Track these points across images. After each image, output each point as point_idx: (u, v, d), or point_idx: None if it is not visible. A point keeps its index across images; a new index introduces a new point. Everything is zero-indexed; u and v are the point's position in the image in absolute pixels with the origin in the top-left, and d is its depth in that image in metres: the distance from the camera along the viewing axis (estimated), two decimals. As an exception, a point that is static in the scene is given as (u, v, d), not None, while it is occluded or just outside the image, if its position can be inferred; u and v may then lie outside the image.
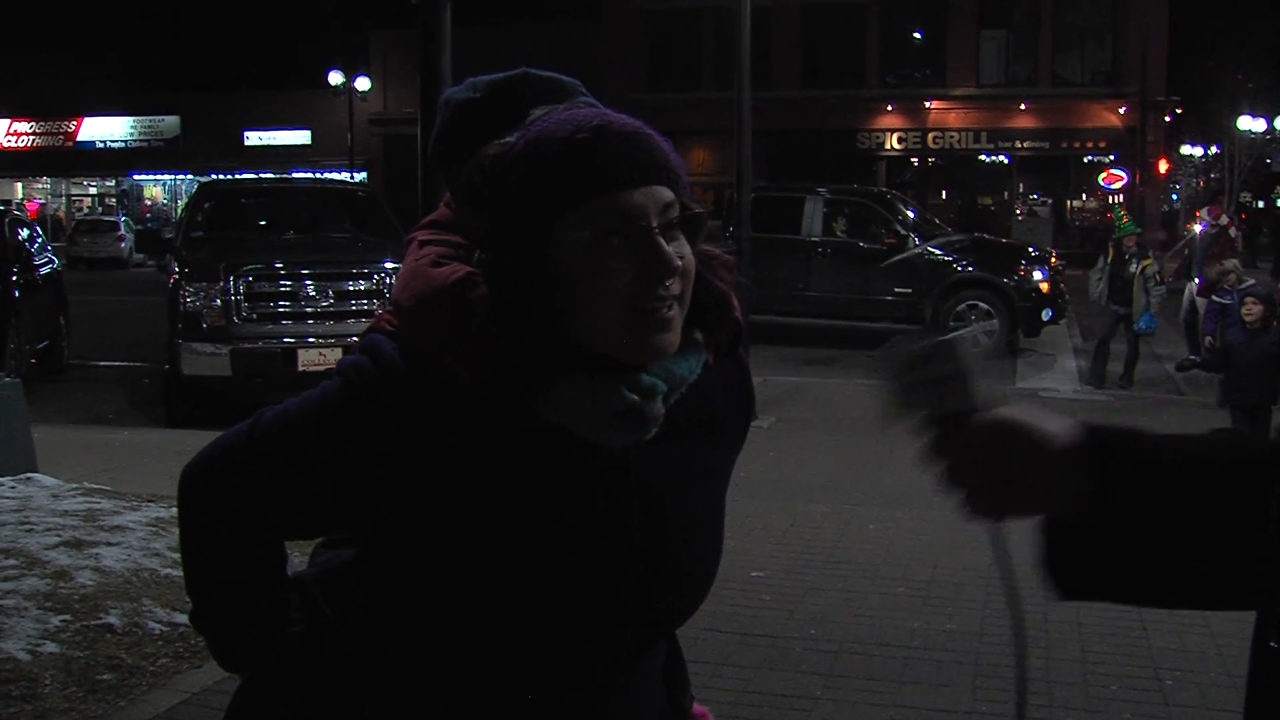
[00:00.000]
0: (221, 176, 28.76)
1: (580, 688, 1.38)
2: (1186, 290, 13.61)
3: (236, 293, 9.34)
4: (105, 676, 4.06)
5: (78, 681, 3.99)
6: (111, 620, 4.43)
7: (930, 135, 34.67)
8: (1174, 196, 45.99)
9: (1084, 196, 34.90)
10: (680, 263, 1.24)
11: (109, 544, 5.18)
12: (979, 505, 1.14)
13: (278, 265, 9.65)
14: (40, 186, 46.44)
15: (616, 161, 1.23)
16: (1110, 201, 32.56)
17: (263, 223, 11.42)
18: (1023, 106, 33.49)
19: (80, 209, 45.06)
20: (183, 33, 43.64)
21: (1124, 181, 31.50)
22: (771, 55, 31.68)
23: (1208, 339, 10.39)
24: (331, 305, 9.58)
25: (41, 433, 7.35)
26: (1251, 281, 9.86)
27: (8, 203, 35.91)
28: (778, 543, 5.88)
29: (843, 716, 4.00)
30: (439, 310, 1.27)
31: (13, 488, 6.31)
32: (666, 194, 1.25)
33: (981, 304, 14.79)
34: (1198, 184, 47.80)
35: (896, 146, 35.07)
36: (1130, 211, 28.53)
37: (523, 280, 1.24)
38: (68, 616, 4.41)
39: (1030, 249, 16.57)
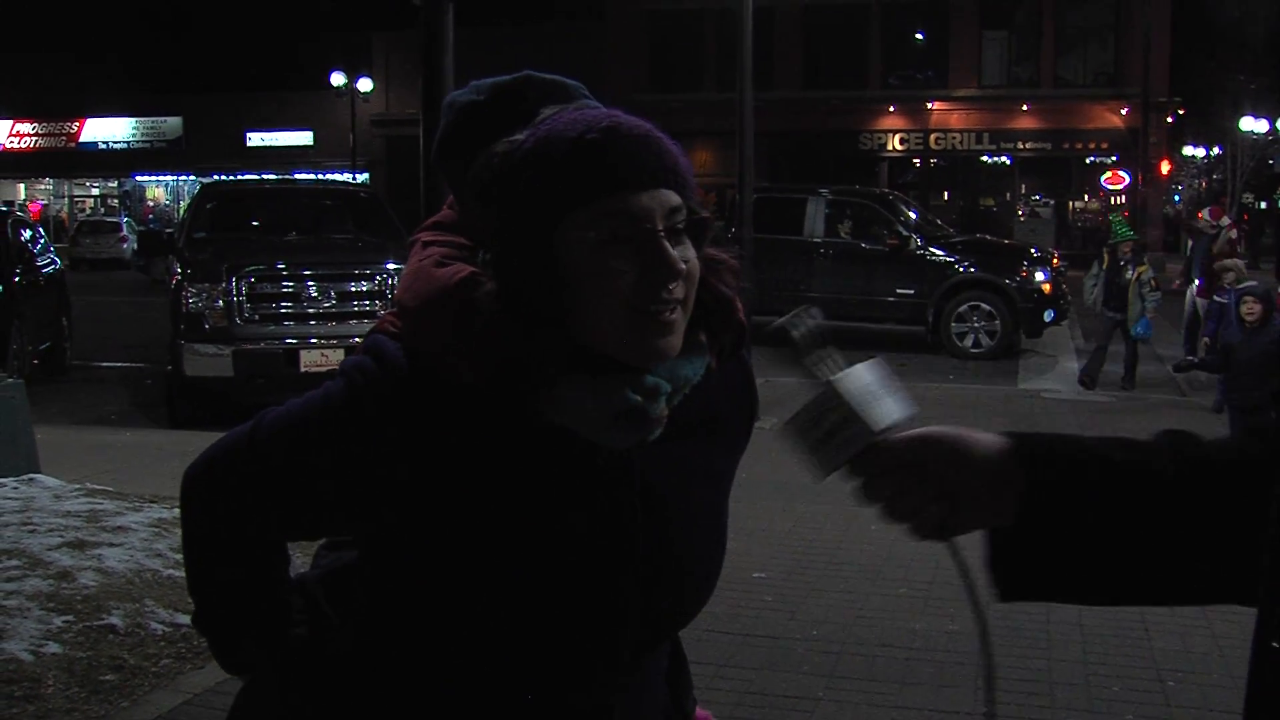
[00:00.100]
0: (224, 177, 28.77)
1: (582, 688, 1.38)
2: (1188, 292, 13.61)
3: (239, 294, 9.34)
4: (108, 677, 4.06)
5: (80, 682, 4.00)
6: (114, 621, 4.43)
7: (932, 136, 34.66)
8: (1176, 198, 45.98)
9: (1086, 197, 34.87)
10: (684, 266, 1.24)
11: (111, 545, 5.19)
12: (922, 529, 1.16)
13: (280, 266, 9.66)
14: (43, 187, 46.51)
15: (625, 163, 1.23)
16: (1113, 202, 32.56)
17: (265, 224, 11.42)
18: (1025, 107, 33.48)
19: (83, 210, 45.12)
20: (185, 33, 43.65)
21: (1126, 182, 31.49)
22: (773, 56, 31.69)
23: (1204, 339, 10.38)
24: (334, 306, 9.59)
25: (44, 433, 7.36)
26: (1252, 281, 9.85)
27: (10, 204, 36.03)
28: (780, 544, 5.88)
29: (844, 717, 4.00)
30: (442, 310, 1.27)
31: (15, 488, 6.32)
32: (674, 198, 1.25)
33: (983, 305, 14.79)
34: (1200, 185, 47.79)
35: (898, 147, 35.06)
36: (1133, 212, 28.57)
37: (529, 278, 1.24)
38: (70, 617, 4.41)
39: (1032, 250, 16.57)
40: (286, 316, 9.50)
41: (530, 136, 1.28)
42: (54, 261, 13.49)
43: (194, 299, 9.39)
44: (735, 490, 1.49)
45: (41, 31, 43.15)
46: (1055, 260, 15.85)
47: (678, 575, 1.39)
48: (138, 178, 44.35)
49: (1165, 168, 34.35)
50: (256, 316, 9.41)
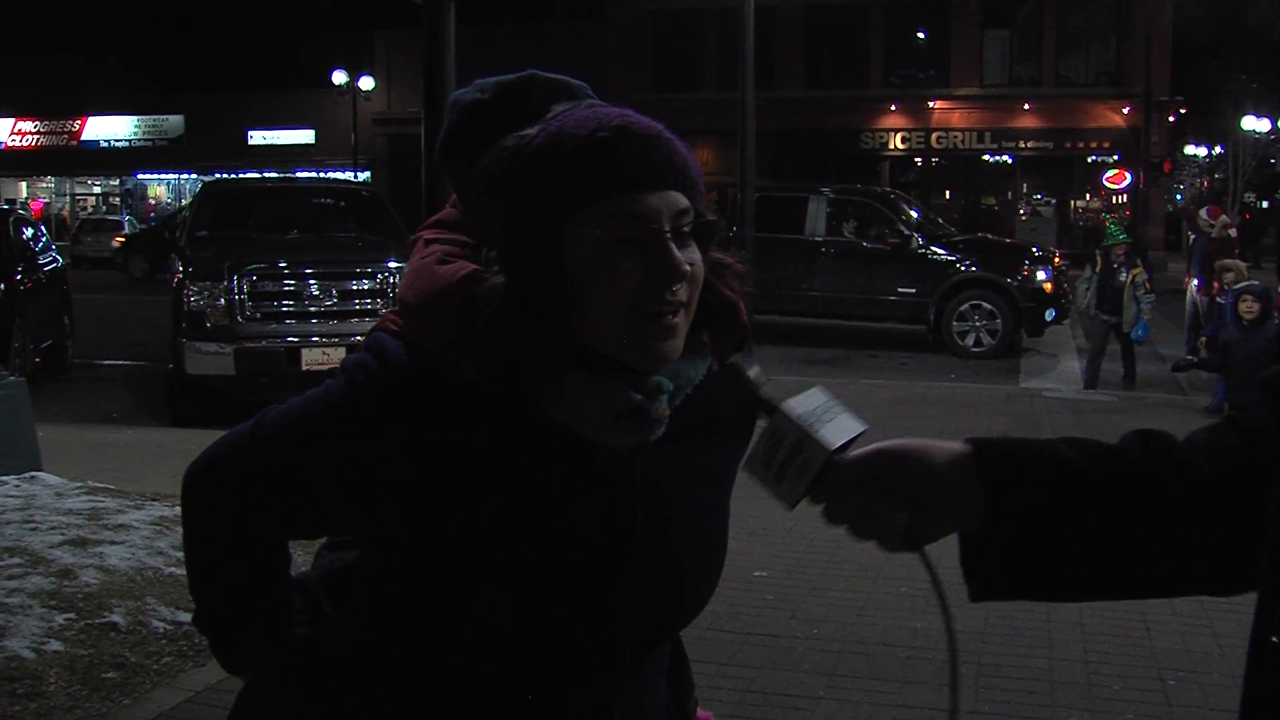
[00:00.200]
0: (225, 176, 28.79)
1: (582, 688, 1.38)
2: (1189, 291, 13.61)
3: (240, 292, 9.35)
4: (109, 675, 4.07)
5: (82, 680, 4.00)
6: (115, 619, 4.44)
7: (934, 135, 34.66)
8: (1178, 197, 45.95)
9: (1088, 196, 34.86)
10: (689, 269, 1.24)
11: (113, 543, 5.19)
12: (890, 542, 1.17)
13: (281, 265, 9.67)
14: (44, 186, 46.54)
15: (634, 163, 1.23)
16: (1114, 201, 32.54)
17: (266, 222, 11.43)
18: (1026, 106, 33.47)
19: (84, 208, 45.14)
20: (187, 32, 43.70)
21: (1128, 181, 31.47)
22: (775, 55, 31.72)
23: (1203, 339, 10.37)
24: (335, 305, 9.60)
25: (46, 431, 7.36)
26: (1251, 281, 9.84)
27: (12, 202, 36.01)
28: (781, 543, 5.88)
29: (845, 716, 4.00)
30: (445, 307, 1.28)
31: (17, 486, 6.33)
32: (681, 200, 1.25)
33: (985, 304, 14.79)
34: (1202, 184, 47.75)
35: (900, 146, 35.06)
36: (1134, 211, 28.56)
37: (536, 274, 1.24)
38: (72, 615, 4.42)
39: (1034, 249, 16.56)
40: (288, 315, 9.51)
41: (541, 132, 1.27)
42: (56, 260, 13.50)
43: (196, 297, 9.39)
44: (736, 489, 1.49)
45: (43, 30, 43.20)
46: (1057, 259, 15.84)
47: (678, 575, 1.38)
48: (139, 176, 44.37)
49: (1166, 167, 34.33)
50: (258, 315, 9.42)
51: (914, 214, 16.46)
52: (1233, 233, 14.16)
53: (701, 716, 1.65)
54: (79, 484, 6.51)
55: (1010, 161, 34.87)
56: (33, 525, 5.43)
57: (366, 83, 36.82)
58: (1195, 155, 46.64)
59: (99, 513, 5.71)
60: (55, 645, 4.19)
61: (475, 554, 1.29)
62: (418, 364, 1.28)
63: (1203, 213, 13.95)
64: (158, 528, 5.49)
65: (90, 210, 43.82)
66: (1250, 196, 40.42)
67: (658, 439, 1.30)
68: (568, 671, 1.36)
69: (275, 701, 1.47)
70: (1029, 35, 33.84)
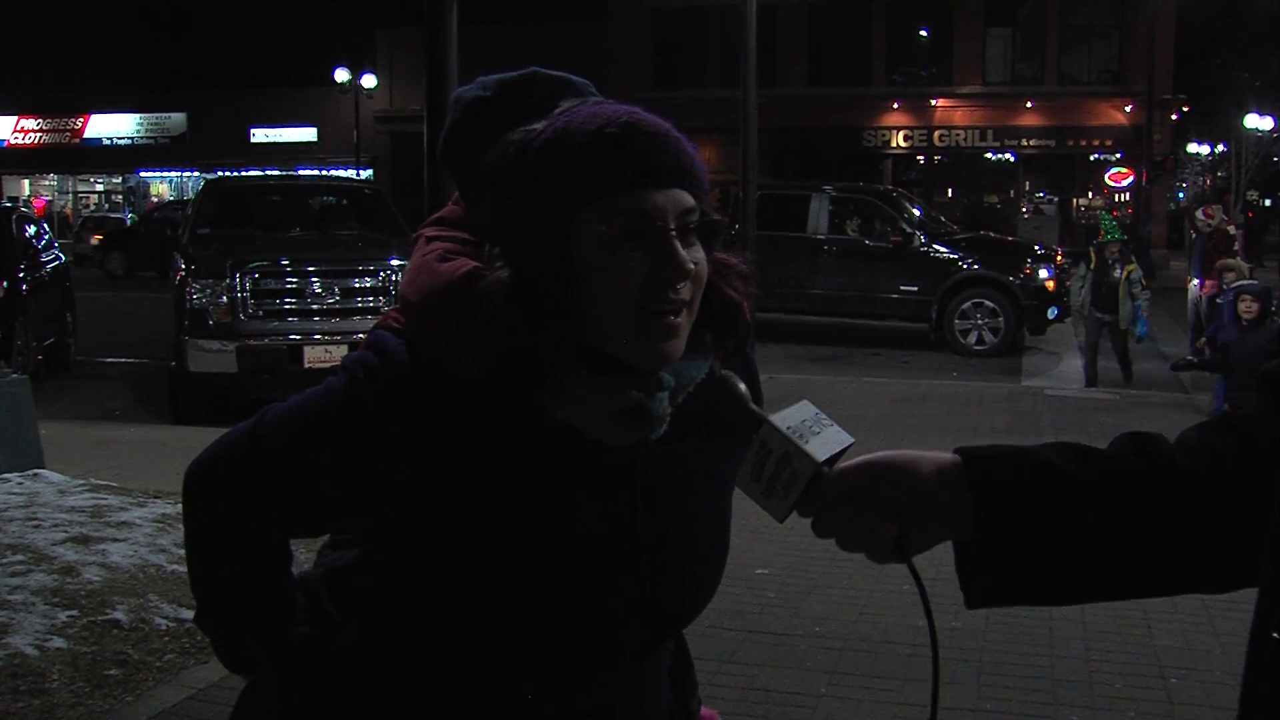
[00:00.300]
0: (228, 174, 28.79)
1: (583, 687, 1.38)
2: (1190, 288, 13.60)
3: (243, 290, 9.36)
4: (112, 672, 4.07)
5: (85, 676, 4.01)
6: (118, 616, 4.44)
7: (936, 133, 34.62)
8: (1180, 194, 45.90)
9: (1090, 194, 34.83)
10: (692, 267, 1.24)
11: (116, 540, 5.20)
12: (879, 553, 1.18)
13: (284, 262, 9.68)
14: (47, 183, 46.55)
15: (641, 159, 1.23)
16: (1116, 199, 32.50)
17: (269, 220, 11.44)
18: (1029, 105, 33.42)
19: (86, 206, 45.16)
20: (190, 30, 43.70)
21: (1131, 180, 31.43)
22: (777, 53, 31.68)
23: (1203, 340, 10.34)
24: (337, 302, 9.61)
25: (48, 429, 7.37)
26: (1250, 280, 9.82)
27: (15, 199, 36.01)
28: (783, 540, 5.88)
29: (847, 714, 4.00)
30: (446, 304, 1.27)
31: (20, 484, 6.33)
32: (687, 199, 1.25)
33: (987, 302, 14.78)
34: (1205, 182, 47.71)
35: (902, 144, 35.02)
36: (1136, 209, 28.51)
37: (542, 269, 1.24)
38: (75, 612, 4.42)
39: (1036, 247, 16.55)
40: (290, 312, 9.51)
41: (549, 127, 1.27)
42: (58, 257, 13.51)
43: (198, 295, 9.40)
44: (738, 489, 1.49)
45: (46, 29, 43.20)
46: (1059, 257, 15.84)
47: (679, 574, 1.38)
48: (142, 174, 44.38)
49: (1170, 164, 34.28)
50: (260, 312, 9.42)
51: (916, 212, 16.45)
52: (1232, 229, 14.13)
53: (706, 715, 1.65)
54: (81, 481, 6.52)
55: (1012, 159, 34.83)
56: (35, 522, 5.44)
57: (369, 81, 36.82)
58: (1198, 153, 46.61)
59: (101, 510, 5.72)
60: (58, 642, 4.19)
61: (476, 552, 1.29)
62: (419, 362, 1.28)
63: (1199, 212, 13.94)
64: (160, 525, 5.50)
65: (93, 208, 43.83)
66: (1253, 195, 40.39)
67: (659, 438, 1.30)
68: (568, 670, 1.36)
69: (277, 700, 1.47)
70: (1031, 33, 33.79)
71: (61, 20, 43.94)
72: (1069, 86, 33.43)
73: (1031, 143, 34.18)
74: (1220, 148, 43.88)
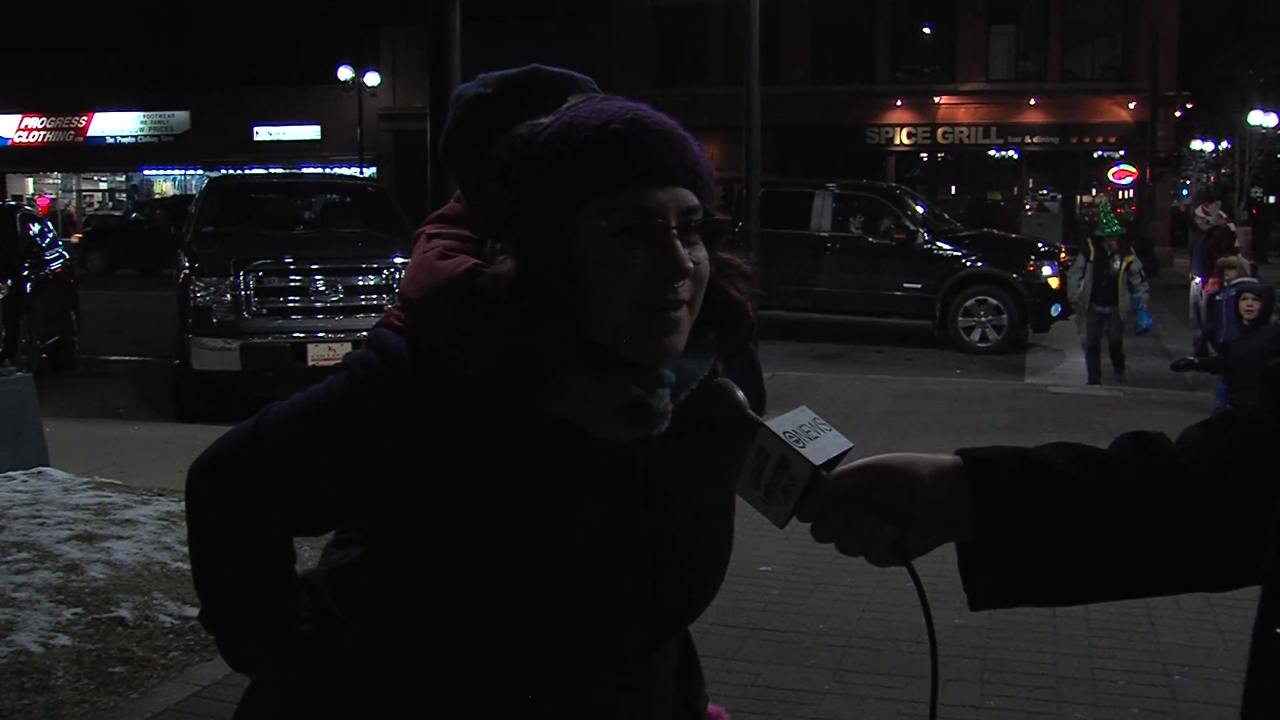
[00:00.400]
0: (231, 172, 28.81)
1: (586, 686, 1.37)
2: (1192, 286, 13.58)
3: (246, 288, 9.37)
4: (116, 669, 4.08)
5: (89, 674, 4.02)
6: (123, 613, 4.45)
7: (939, 130, 34.58)
8: (1184, 192, 45.84)
9: (1094, 192, 34.78)
10: (693, 266, 1.23)
11: (120, 538, 5.21)
12: (878, 556, 1.18)
13: (287, 260, 9.69)
14: (51, 182, 46.57)
15: (645, 156, 1.23)
16: (1120, 196, 32.46)
17: (272, 218, 11.44)
18: (1032, 102, 33.38)
19: (91, 204, 45.17)
20: (193, 28, 43.70)
21: (1134, 176, 31.39)
22: (780, 50, 31.64)
23: (1199, 333, 10.28)
24: (341, 300, 9.62)
25: (53, 427, 7.38)
26: (1250, 279, 9.79)
27: (19, 198, 36.06)
28: (786, 537, 5.86)
29: (851, 711, 4.00)
30: (446, 301, 1.27)
31: (24, 481, 6.34)
32: (690, 197, 1.25)
33: (991, 299, 14.77)
34: (1209, 179, 47.63)
35: (906, 142, 34.99)
36: (1140, 206, 28.46)
37: (546, 263, 1.23)
38: (79, 609, 4.43)
39: (1039, 244, 16.54)
40: (294, 310, 9.53)
41: (555, 121, 1.27)
42: (62, 255, 13.53)
43: (201, 293, 9.41)
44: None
45: (48, 28, 43.22)
46: (1063, 254, 15.81)
47: (681, 572, 1.38)
48: (145, 172, 44.40)
49: (1173, 162, 34.24)
50: (264, 310, 9.44)
51: (920, 209, 16.44)
52: (1232, 226, 14.10)
53: (713, 712, 1.64)
54: (86, 479, 6.52)
55: (1016, 157, 34.79)
56: (40, 520, 5.45)
57: (372, 79, 36.82)
58: (1202, 150, 46.55)
59: (106, 508, 5.73)
60: (63, 640, 4.20)
61: (477, 550, 1.29)
62: (419, 359, 1.28)
63: (1198, 209, 13.93)
64: (164, 523, 5.50)
65: (97, 206, 43.86)
66: (1257, 191, 40.31)
67: (661, 435, 1.29)
68: (570, 669, 1.35)
69: (281, 698, 1.47)
70: (1035, 30, 33.75)
71: (63, 20, 43.96)
72: (1072, 83, 33.39)
73: (1035, 140, 34.14)
74: (1224, 145, 43.79)
